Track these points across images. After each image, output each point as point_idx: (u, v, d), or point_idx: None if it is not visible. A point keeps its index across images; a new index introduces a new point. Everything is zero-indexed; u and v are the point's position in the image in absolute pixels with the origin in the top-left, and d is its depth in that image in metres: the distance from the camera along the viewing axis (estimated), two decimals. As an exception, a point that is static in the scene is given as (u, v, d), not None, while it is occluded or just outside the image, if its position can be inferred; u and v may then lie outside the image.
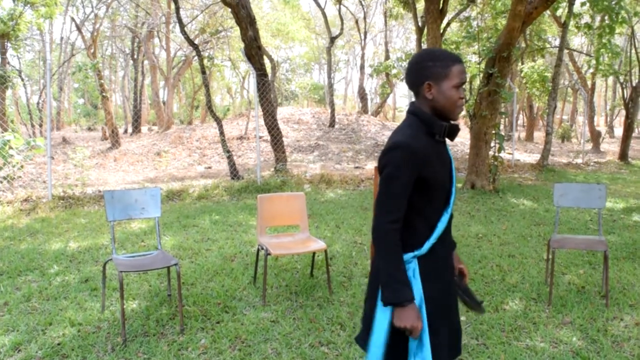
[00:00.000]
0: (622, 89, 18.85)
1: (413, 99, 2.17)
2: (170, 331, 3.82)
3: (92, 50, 19.66)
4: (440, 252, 2.12)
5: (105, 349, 3.55)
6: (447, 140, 2.37)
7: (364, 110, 26.42)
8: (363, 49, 28.23)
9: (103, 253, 5.83)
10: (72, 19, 21.77)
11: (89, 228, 7.07)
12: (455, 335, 2.22)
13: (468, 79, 12.87)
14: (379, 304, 2.04)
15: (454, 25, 19.64)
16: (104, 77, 23.22)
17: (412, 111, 2.08)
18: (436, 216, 2.09)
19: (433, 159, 2.02)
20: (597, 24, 16.90)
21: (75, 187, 9.83)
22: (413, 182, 1.99)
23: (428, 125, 2.05)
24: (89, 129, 31.74)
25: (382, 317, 2.03)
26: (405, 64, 19.47)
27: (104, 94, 18.50)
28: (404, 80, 2.17)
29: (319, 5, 22.35)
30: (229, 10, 11.34)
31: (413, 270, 2.05)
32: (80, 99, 49.74)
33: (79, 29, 20.66)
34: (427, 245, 2.06)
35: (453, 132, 2.09)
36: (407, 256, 2.05)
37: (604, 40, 14.52)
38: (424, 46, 14.12)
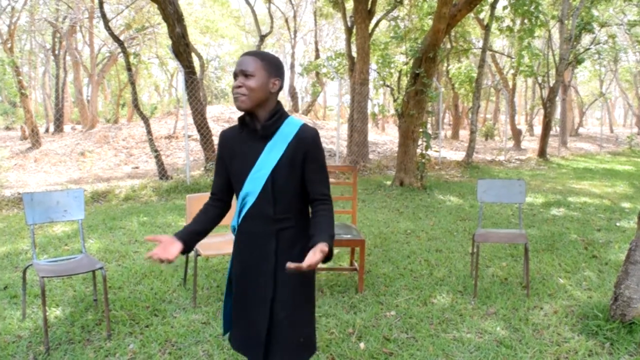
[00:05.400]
0: (541, 89, 19.83)
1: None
2: (97, 337, 3.69)
3: (9, 45, 18.61)
4: (244, 235, 2.24)
5: (27, 358, 3.39)
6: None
7: (295, 108, 26.50)
8: (293, 47, 28.31)
9: (23, 258, 5.56)
10: (-14, 12, 20.57)
11: (7, 232, 6.72)
12: (251, 331, 2.20)
13: (396, 78, 13.14)
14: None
15: (383, 26, 20.02)
16: (23, 73, 22.06)
17: None
18: (236, 199, 2.27)
19: (236, 149, 2.20)
20: (517, 27, 17.66)
21: (-9, 190, 9.34)
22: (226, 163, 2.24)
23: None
24: (7, 128, 30.09)
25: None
26: (335, 63, 19.63)
27: (22, 91, 17.57)
28: None
29: (248, 3, 22.16)
30: (156, 6, 11.05)
31: None
32: (-4, 96, 47.09)
33: (-6, 22, 19.56)
34: (233, 222, 2.29)
35: (247, 125, 2.17)
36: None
37: (525, 43, 15.21)
38: (353, 46, 14.29)
